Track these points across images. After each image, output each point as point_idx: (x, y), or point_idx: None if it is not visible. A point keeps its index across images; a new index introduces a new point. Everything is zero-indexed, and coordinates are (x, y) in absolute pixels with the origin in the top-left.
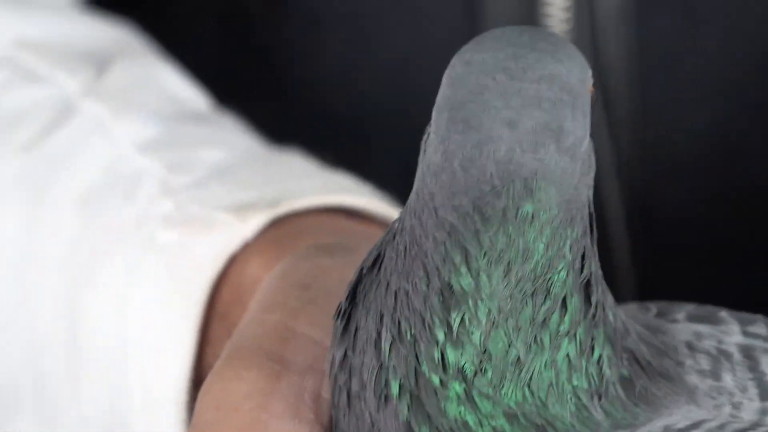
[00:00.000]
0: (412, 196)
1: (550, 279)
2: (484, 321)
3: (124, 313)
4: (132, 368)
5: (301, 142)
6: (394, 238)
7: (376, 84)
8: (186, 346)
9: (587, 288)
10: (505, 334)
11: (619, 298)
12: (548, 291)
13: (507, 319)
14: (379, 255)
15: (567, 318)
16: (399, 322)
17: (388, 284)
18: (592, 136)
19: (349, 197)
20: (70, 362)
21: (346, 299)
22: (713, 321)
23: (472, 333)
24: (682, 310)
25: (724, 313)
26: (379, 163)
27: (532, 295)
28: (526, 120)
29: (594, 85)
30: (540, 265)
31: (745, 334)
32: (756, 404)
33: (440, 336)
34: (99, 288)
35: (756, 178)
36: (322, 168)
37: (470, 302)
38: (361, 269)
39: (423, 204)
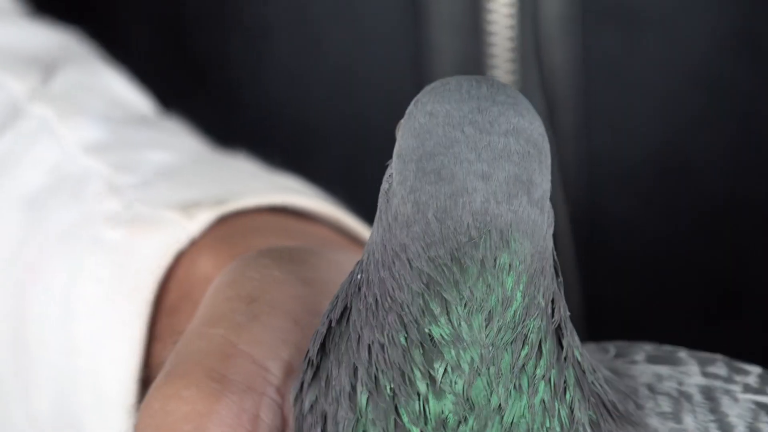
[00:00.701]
0: (377, 247)
1: (527, 326)
2: (467, 370)
3: (70, 313)
4: (81, 368)
5: (249, 148)
6: (359, 290)
7: (322, 90)
8: (134, 344)
9: (558, 331)
10: (488, 382)
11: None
12: (526, 337)
13: (489, 367)
14: (346, 307)
15: (542, 362)
16: (376, 377)
17: (359, 337)
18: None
19: (295, 198)
20: (19, 362)
21: (317, 351)
22: (673, 362)
23: (455, 383)
24: (640, 351)
25: (683, 354)
26: (326, 168)
27: (512, 342)
28: (499, 172)
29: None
30: (518, 313)
31: (705, 374)
32: None
33: (422, 388)
34: (45, 287)
35: (700, 186)
36: (268, 170)
37: (452, 352)
38: (330, 321)
39: (393, 255)
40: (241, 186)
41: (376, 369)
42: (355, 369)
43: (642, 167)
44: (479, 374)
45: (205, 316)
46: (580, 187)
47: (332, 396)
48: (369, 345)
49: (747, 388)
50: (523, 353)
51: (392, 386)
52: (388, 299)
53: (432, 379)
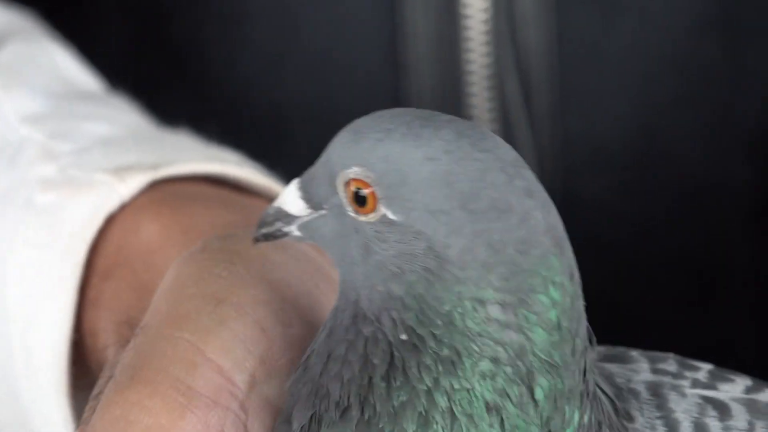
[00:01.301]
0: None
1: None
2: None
3: (2, 276)
4: (14, 332)
5: (225, 133)
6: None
7: (298, 74)
8: (65, 308)
9: None
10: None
11: None
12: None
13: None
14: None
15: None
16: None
17: None
18: (512, 128)
19: (232, 168)
20: None
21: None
22: (623, 360)
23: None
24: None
25: (635, 353)
26: (302, 151)
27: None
28: (531, 184)
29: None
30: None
31: (655, 371)
32: None
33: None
34: None
35: (675, 169)
36: (208, 144)
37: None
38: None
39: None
40: (178, 155)
41: None
42: None
43: (617, 150)
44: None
45: (169, 315)
46: (555, 170)
47: None
48: None
49: (696, 383)
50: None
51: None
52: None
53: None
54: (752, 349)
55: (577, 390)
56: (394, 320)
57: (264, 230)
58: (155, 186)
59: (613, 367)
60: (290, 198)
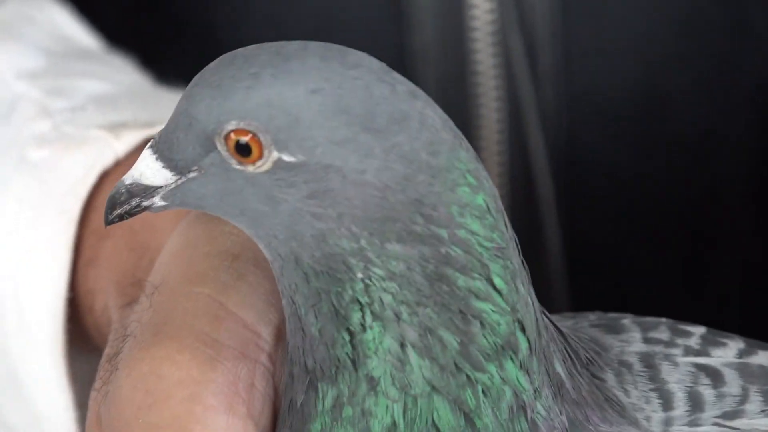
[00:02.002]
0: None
1: None
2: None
3: None
4: (5, 289)
5: None
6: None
7: (301, 35)
8: (60, 265)
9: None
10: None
11: (547, 251)
12: None
13: None
14: None
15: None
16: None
17: None
18: (516, 84)
19: None
20: None
21: None
22: (615, 330)
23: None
24: (584, 321)
25: (626, 320)
26: None
27: None
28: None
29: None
30: None
31: (647, 341)
32: (660, 415)
33: None
34: None
35: (677, 124)
36: None
37: None
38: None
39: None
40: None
41: None
42: None
43: (620, 106)
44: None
45: (186, 272)
46: (558, 126)
47: None
48: None
49: (688, 351)
50: None
51: None
52: None
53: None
54: (753, 307)
55: (523, 270)
56: (337, 254)
57: (119, 210)
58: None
59: (605, 338)
60: (149, 169)
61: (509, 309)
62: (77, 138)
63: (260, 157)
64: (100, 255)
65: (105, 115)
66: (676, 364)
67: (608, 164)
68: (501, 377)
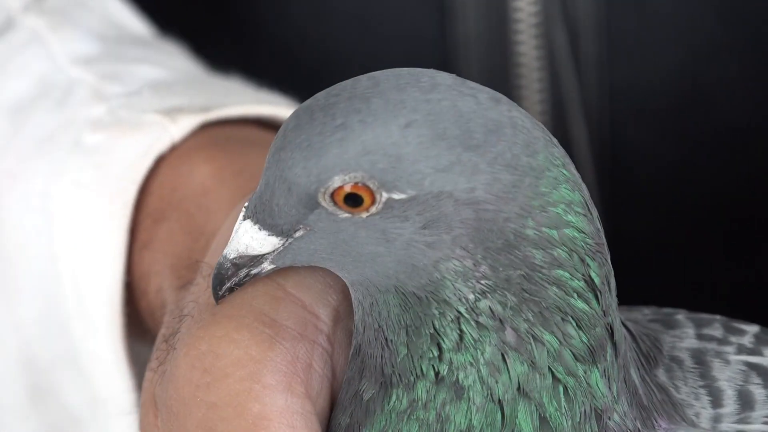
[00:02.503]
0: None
1: None
2: None
3: (49, 218)
4: (63, 273)
5: (271, 81)
6: None
7: (346, 28)
8: (116, 248)
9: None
10: None
11: None
12: None
13: None
14: None
15: None
16: None
17: None
18: (559, 76)
19: (283, 110)
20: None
21: None
22: (669, 325)
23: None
24: (639, 315)
25: (680, 316)
26: None
27: None
28: None
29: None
30: None
31: (700, 337)
32: (709, 412)
33: None
34: (22, 193)
35: (721, 118)
36: (258, 89)
37: None
38: None
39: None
40: (228, 98)
41: None
42: None
43: (663, 98)
44: None
45: None
46: (601, 118)
47: None
48: None
49: (741, 349)
50: None
51: None
52: None
53: None
54: None
55: (612, 270)
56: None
57: (228, 284)
58: (206, 128)
59: (660, 334)
60: (254, 241)
61: (602, 312)
62: (133, 122)
63: (372, 203)
64: (156, 238)
65: (160, 99)
66: (727, 362)
67: (651, 157)
68: (587, 382)
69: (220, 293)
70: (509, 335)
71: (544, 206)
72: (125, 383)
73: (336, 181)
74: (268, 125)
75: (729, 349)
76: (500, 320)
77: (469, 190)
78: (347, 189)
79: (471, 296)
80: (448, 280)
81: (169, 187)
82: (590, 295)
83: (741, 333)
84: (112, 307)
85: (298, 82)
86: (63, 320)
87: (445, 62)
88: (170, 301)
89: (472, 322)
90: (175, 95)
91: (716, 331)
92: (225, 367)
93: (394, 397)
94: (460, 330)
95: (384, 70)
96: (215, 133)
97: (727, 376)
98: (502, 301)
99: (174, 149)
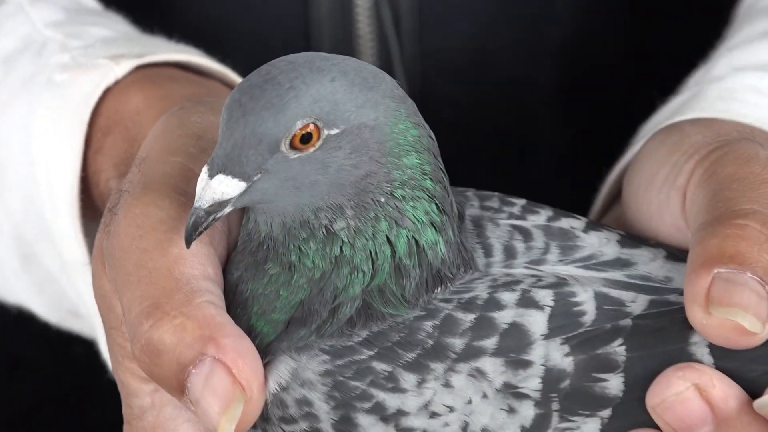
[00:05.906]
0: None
1: None
2: None
3: (29, 134)
4: (39, 173)
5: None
6: None
7: (225, 14)
8: (75, 153)
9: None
10: None
11: None
12: None
13: None
14: None
15: None
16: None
17: None
18: (386, 44)
19: (196, 57)
20: None
21: None
22: (459, 198)
23: None
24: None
25: (469, 192)
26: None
27: None
28: None
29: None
30: None
31: (482, 207)
32: (482, 261)
33: None
34: (11, 118)
35: (502, 73)
36: (179, 44)
37: None
38: None
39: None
40: (157, 48)
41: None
42: None
43: (461, 58)
44: None
45: (163, 148)
46: (415, 75)
47: None
48: None
49: (510, 216)
50: None
51: None
52: None
53: None
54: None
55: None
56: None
57: (201, 229)
58: (140, 69)
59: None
60: (226, 187)
61: (445, 191)
62: (88, 65)
63: (318, 138)
64: (104, 146)
65: (108, 49)
66: (498, 225)
67: (453, 103)
68: (432, 241)
69: (194, 237)
70: (400, 218)
71: (412, 123)
72: (83, 249)
73: (298, 125)
74: (184, 67)
75: (501, 215)
76: (398, 208)
77: (376, 118)
78: (304, 130)
79: (382, 198)
80: (370, 191)
81: (113, 109)
82: (441, 178)
83: (512, 204)
84: (72, 195)
85: (199, 46)
86: (39, 207)
87: (307, 36)
88: (113, 187)
89: (382, 215)
90: (119, 47)
91: (494, 203)
92: (152, 224)
93: (296, 276)
94: (374, 222)
95: (289, 55)
96: (147, 72)
97: (497, 234)
98: (402, 195)
99: (117, 83)
